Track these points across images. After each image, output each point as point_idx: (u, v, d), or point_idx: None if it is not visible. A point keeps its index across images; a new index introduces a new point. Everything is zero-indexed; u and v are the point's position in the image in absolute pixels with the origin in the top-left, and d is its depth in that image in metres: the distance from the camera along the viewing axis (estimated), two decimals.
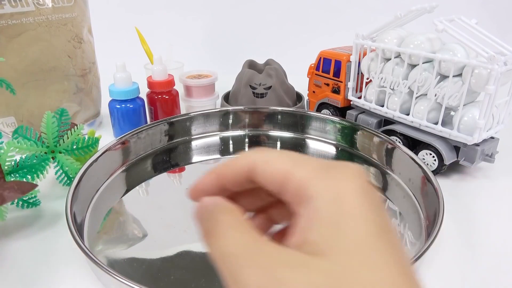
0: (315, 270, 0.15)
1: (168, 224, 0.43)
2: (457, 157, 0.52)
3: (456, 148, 0.52)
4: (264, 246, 0.16)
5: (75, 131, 0.48)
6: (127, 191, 0.49)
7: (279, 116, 0.62)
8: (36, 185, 0.39)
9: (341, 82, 0.63)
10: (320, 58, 0.65)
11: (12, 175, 0.44)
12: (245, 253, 0.16)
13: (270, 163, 0.18)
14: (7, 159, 0.43)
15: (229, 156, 0.58)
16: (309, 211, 0.16)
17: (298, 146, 0.60)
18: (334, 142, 0.59)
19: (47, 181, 0.52)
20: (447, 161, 0.51)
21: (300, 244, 0.16)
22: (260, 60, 0.76)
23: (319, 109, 0.68)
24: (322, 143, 0.59)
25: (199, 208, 0.20)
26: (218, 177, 0.20)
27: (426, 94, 0.52)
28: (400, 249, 0.16)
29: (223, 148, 0.60)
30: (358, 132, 0.56)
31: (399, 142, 0.55)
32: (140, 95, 0.62)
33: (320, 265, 0.15)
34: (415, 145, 0.55)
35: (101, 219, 0.44)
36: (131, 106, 0.61)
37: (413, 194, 0.47)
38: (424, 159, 0.53)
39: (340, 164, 0.18)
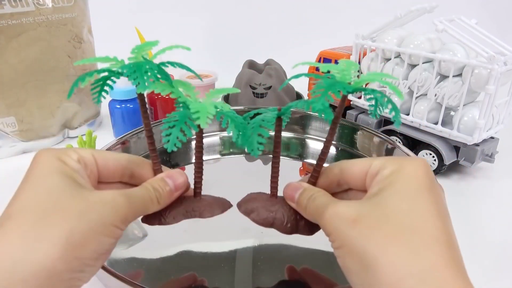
0: (365, 203, 0.22)
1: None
2: (457, 157, 0.52)
3: (456, 148, 0.52)
4: (338, 199, 0.24)
5: None
6: None
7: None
8: (230, 205, 0.30)
9: None
10: (320, 58, 0.65)
11: None
12: (327, 201, 0.24)
13: (355, 164, 0.25)
14: None
15: (229, 156, 0.58)
16: (376, 178, 0.23)
17: (298, 146, 0.60)
18: (334, 142, 0.59)
19: None
20: (447, 161, 0.51)
21: (365, 198, 0.23)
22: (260, 60, 0.76)
23: None
24: (322, 143, 0.59)
25: (291, 190, 0.27)
26: (318, 183, 0.28)
27: (426, 94, 0.52)
28: (441, 206, 0.21)
29: (223, 148, 0.60)
30: (358, 132, 0.56)
31: (399, 142, 0.55)
32: None
33: (370, 200, 0.22)
34: (415, 145, 0.55)
35: None
36: (131, 106, 0.61)
37: None
38: None
39: (411, 157, 0.27)
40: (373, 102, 0.25)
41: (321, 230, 0.27)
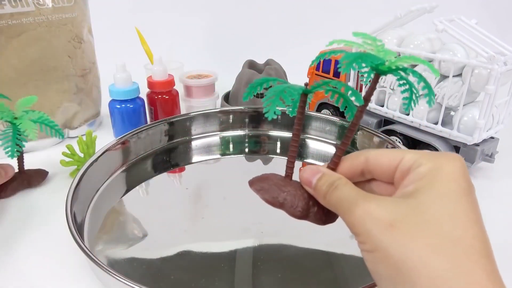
0: (401, 203, 0.20)
1: (168, 224, 0.43)
2: None
3: (456, 148, 0.52)
4: (367, 193, 0.22)
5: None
6: (127, 191, 0.49)
7: (279, 116, 0.62)
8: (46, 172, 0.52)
9: None
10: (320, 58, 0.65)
11: None
12: (355, 195, 0.22)
13: (383, 155, 0.24)
14: None
15: (229, 156, 0.58)
16: (411, 175, 0.21)
17: (298, 146, 0.60)
18: (334, 142, 0.59)
19: (47, 182, 0.52)
20: None
21: (397, 195, 0.22)
22: (260, 60, 0.76)
23: (319, 109, 0.68)
24: (322, 143, 0.59)
25: (309, 174, 0.26)
26: (339, 170, 0.26)
27: None
28: (478, 211, 0.20)
29: (223, 148, 0.60)
30: (358, 132, 0.56)
31: (399, 142, 0.55)
32: (140, 95, 0.62)
33: (406, 201, 0.20)
34: (415, 145, 0.55)
35: (101, 219, 0.44)
36: (131, 106, 0.61)
37: None
38: None
39: (444, 152, 0.23)
40: (407, 94, 0.23)
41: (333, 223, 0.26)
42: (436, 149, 0.51)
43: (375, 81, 0.24)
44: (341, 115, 0.65)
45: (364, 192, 0.22)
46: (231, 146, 0.61)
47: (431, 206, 0.19)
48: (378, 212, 0.20)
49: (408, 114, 0.54)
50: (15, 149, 0.46)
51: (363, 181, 0.26)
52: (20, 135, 0.46)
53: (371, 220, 0.20)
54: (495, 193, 0.51)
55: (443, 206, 0.19)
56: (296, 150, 0.27)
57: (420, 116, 0.53)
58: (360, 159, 0.25)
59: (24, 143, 0.47)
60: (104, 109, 0.68)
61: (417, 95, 0.24)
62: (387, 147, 0.52)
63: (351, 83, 0.61)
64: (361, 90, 0.61)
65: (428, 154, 0.22)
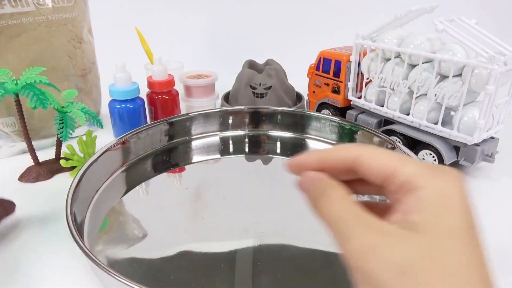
0: (411, 242, 0.17)
1: (168, 224, 0.43)
2: (457, 157, 0.52)
3: (456, 148, 0.52)
4: (368, 216, 0.19)
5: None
6: (127, 191, 0.49)
7: (279, 116, 0.62)
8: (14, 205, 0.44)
9: (341, 82, 0.63)
10: (320, 58, 0.65)
11: None
12: (354, 218, 0.19)
13: (377, 158, 0.21)
14: None
15: (229, 156, 0.58)
16: (414, 199, 0.19)
17: (298, 146, 0.60)
18: (334, 142, 0.59)
19: (48, 182, 0.52)
20: (447, 161, 0.51)
21: (399, 222, 0.19)
22: (260, 60, 0.76)
23: (319, 109, 0.68)
24: (322, 143, 0.59)
25: (306, 180, 0.22)
26: (321, 159, 0.22)
27: (426, 94, 0.52)
28: (482, 250, 0.19)
29: (223, 148, 0.60)
30: (358, 132, 0.56)
31: (399, 142, 0.55)
32: (140, 95, 0.62)
33: (417, 240, 0.17)
34: (415, 145, 0.55)
35: (101, 219, 0.44)
36: (131, 106, 0.61)
37: None
38: (424, 159, 0.53)
39: (443, 167, 0.21)
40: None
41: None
42: (436, 149, 0.51)
43: None
44: (341, 115, 0.65)
45: (363, 214, 0.19)
46: (231, 146, 0.61)
47: (441, 248, 0.17)
48: (387, 253, 0.17)
49: (408, 114, 0.54)
50: (67, 133, 0.52)
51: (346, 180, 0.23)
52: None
53: (378, 262, 0.17)
54: (495, 193, 0.51)
55: (455, 250, 0.18)
56: None
57: (420, 116, 0.53)
58: (350, 154, 0.21)
59: (33, 142, 0.50)
60: (104, 109, 0.68)
61: None
62: (387, 147, 0.52)
63: (351, 83, 0.61)
64: (361, 90, 0.61)
65: (428, 171, 0.20)
